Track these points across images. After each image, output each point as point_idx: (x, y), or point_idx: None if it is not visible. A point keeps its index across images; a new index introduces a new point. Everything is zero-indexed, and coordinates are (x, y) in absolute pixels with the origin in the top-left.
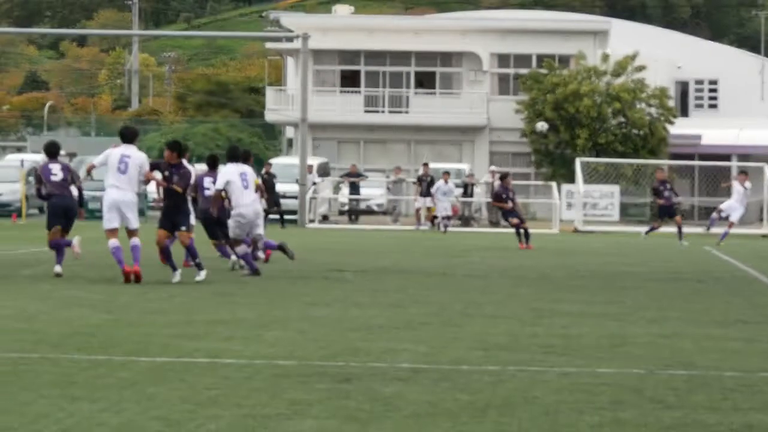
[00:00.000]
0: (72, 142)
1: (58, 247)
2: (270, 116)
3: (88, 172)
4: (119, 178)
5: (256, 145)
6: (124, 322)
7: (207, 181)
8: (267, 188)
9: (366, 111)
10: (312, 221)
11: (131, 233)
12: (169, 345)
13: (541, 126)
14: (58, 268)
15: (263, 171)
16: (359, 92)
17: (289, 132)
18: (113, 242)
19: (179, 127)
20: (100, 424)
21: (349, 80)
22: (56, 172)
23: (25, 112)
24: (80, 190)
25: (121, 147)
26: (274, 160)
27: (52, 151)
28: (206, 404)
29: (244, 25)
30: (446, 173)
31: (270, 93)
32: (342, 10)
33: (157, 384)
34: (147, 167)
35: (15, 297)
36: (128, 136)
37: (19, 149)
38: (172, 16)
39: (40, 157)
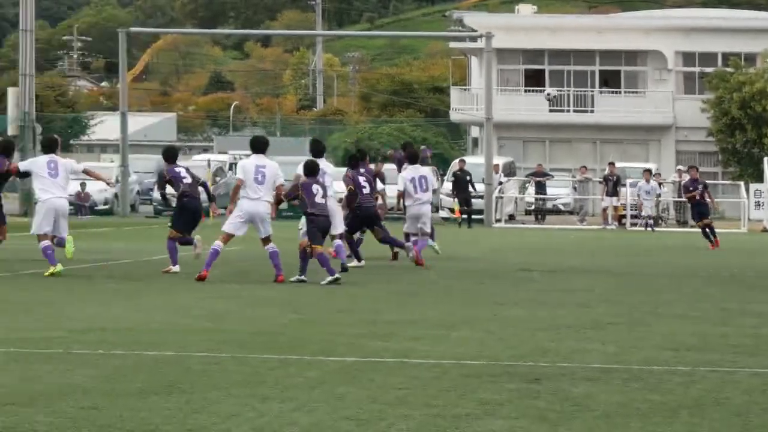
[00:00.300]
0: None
1: (174, 249)
2: (455, 116)
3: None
4: (256, 189)
5: (441, 144)
6: (310, 322)
7: (362, 180)
8: (458, 186)
9: (551, 110)
10: (498, 221)
11: (265, 241)
12: (356, 344)
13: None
14: (176, 268)
15: (456, 168)
16: (544, 91)
17: (474, 131)
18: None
19: (363, 127)
20: (290, 423)
21: (533, 79)
22: (185, 175)
23: (210, 112)
24: (206, 187)
25: (253, 158)
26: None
27: (170, 155)
28: (395, 404)
29: (427, 24)
30: (647, 171)
31: (454, 93)
32: (525, 10)
33: (346, 383)
34: (281, 179)
35: (204, 297)
36: (259, 147)
37: (205, 150)
38: (355, 16)
39: (227, 158)
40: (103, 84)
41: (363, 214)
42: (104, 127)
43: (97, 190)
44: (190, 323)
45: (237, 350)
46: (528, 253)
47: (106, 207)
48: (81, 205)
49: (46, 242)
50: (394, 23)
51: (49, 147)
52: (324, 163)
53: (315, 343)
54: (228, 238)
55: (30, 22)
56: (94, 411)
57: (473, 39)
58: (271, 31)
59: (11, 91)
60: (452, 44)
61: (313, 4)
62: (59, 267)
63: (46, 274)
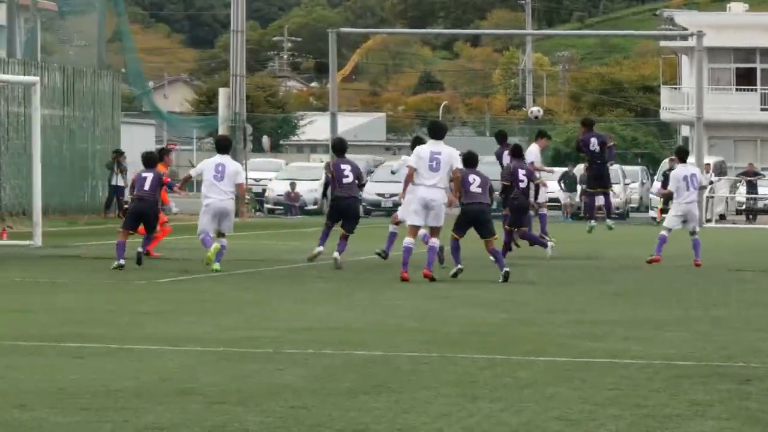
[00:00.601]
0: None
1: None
2: (665, 115)
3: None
4: (431, 176)
5: (651, 144)
6: (520, 321)
7: (521, 173)
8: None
9: (762, 109)
10: (709, 221)
11: (433, 231)
12: (567, 344)
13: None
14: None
15: (667, 167)
16: (755, 90)
17: (684, 131)
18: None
19: (573, 126)
20: (500, 423)
21: (744, 78)
22: (348, 174)
23: (419, 112)
24: (362, 187)
25: (430, 143)
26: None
27: (340, 147)
28: (606, 404)
29: (638, 23)
30: None
31: (665, 92)
32: (736, 8)
33: (556, 383)
34: (458, 162)
35: (413, 296)
36: (439, 132)
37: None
38: (565, 15)
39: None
40: (313, 84)
41: (519, 205)
42: (314, 127)
43: (307, 191)
44: (400, 323)
45: (446, 350)
46: (740, 253)
47: (316, 207)
48: (291, 205)
49: (206, 236)
50: (604, 22)
51: (222, 148)
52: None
53: (525, 343)
54: (414, 230)
55: (241, 23)
56: (303, 410)
57: (684, 38)
58: (480, 31)
59: (222, 92)
60: (662, 43)
61: (523, 4)
62: (214, 248)
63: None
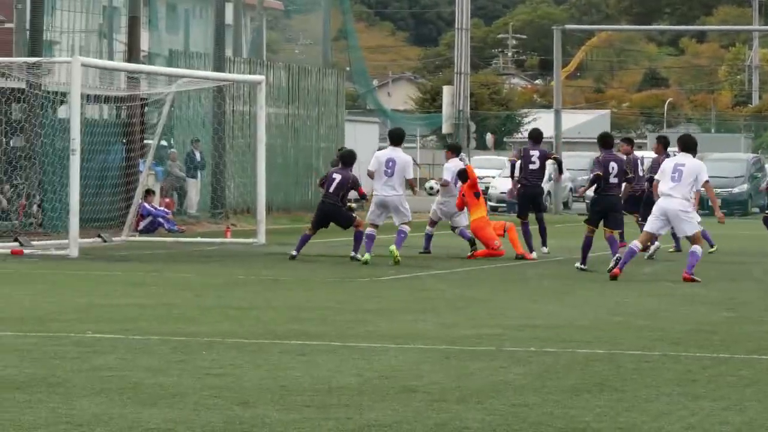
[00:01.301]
0: None
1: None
2: None
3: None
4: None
5: None
6: (744, 320)
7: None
8: None
9: None
10: None
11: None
12: None
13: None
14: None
15: None
16: None
17: None
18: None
19: None
20: (722, 422)
21: None
22: (535, 161)
23: (644, 109)
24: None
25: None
26: None
27: (535, 135)
28: None
29: None
30: None
31: None
32: None
33: None
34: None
35: (636, 294)
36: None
37: (639, 147)
38: None
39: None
40: (537, 81)
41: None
42: (537, 124)
43: None
44: (623, 321)
45: (669, 348)
46: None
47: None
48: (514, 203)
49: (372, 231)
50: None
51: (395, 140)
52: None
53: (748, 342)
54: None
55: (465, 20)
56: (525, 408)
57: None
58: (706, 27)
59: (446, 90)
60: None
61: None
62: (368, 256)
63: (362, 260)
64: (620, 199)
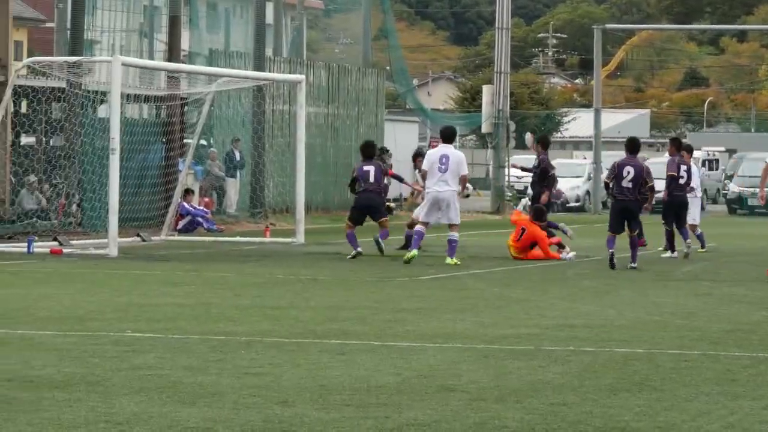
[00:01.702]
0: (731, 138)
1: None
2: None
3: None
4: None
5: None
6: None
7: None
8: None
9: None
10: None
11: None
12: None
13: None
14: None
15: None
16: None
17: None
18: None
19: None
20: (762, 421)
21: None
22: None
23: (684, 108)
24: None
25: None
26: None
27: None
28: None
29: None
30: None
31: None
32: None
33: None
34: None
35: (675, 294)
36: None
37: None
38: None
39: (700, 154)
40: (577, 81)
41: (675, 203)
42: (577, 124)
43: (569, 188)
44: (662, 320)
45: (708, 348)
46: None
47: (578, 204)
48: (553, 202)
49: (422, 228)
50: None
51: (447, 137)
52: None
53: None
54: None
55: (506, 20)
56: (563, 407)
57: None
58: (746, 26)
59: (486, 89)
60: None
61: None
62: (414, 252)
63: (405, 258)
64: (637, 203)
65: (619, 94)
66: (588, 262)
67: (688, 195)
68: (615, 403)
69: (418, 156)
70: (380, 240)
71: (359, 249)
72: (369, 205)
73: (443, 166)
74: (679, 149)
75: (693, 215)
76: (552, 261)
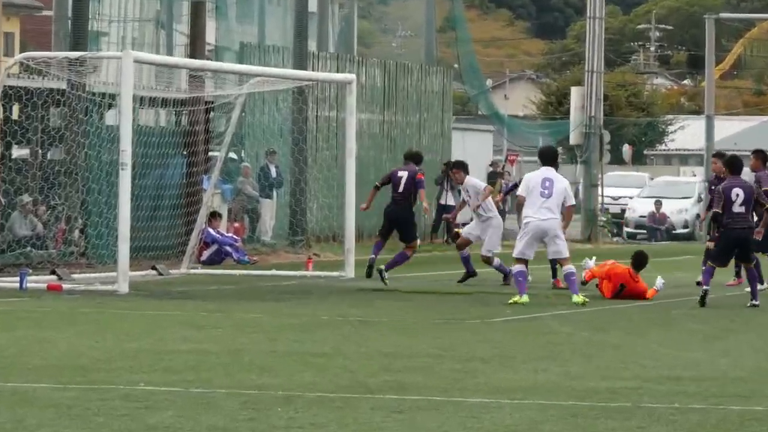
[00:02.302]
0: None
1: None
2: None
3: None
4: None
5: None
6: None
7: None
8: None
9: None
10: None
11: None
12: None
13: None
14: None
15: None
16: None
17: None
18: None
19: None
20: None
21: None
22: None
23: None
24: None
25: None
26: None
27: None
28: None
29: None
30: None
31: None
32: None
33: None
34: None
35: None
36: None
37: None
38: None
39: None
40: (685, 82)
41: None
42: (685, 133)
43: (675, 210)
44: None
45: None
46: None
47: (687, 231)
48: (656, 228)
49: (521, 267)
50: None
51: (548, 159)
52: None
53: None
54: None
55: (599, 8)
56: None
57: None
58: None
59: (575, 91)
60: None
61: None
62: (525, 298)
63: (510, 302)
64: (752, 230)
65: (735, 97)
66: (695, 300)
67: None
68: None
69: (455, 167)
70: (385, 272)
71: (372, 256)
72: (396, 218)
73: (546, 191)
74: (766, 162)
75: None
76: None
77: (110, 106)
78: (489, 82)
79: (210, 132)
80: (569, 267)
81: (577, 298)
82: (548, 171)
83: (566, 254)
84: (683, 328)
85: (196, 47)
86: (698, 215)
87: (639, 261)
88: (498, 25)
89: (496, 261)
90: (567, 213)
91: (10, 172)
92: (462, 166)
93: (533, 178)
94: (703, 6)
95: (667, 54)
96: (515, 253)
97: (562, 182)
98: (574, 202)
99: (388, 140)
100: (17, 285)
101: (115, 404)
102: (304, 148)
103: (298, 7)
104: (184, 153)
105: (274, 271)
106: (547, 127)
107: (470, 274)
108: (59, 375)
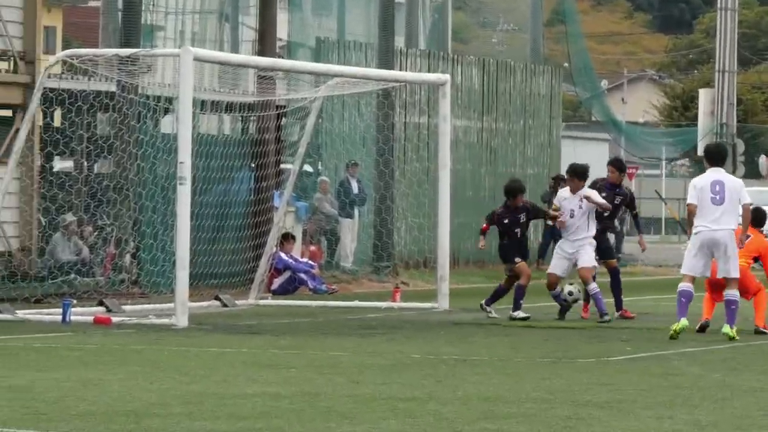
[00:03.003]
0: None
1: None
2: None
3: None
4: None
5: None
6: None
7: None
8: None
9: None
10: None
11: None
12: None
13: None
14: None
15: None
16: None
17: None
18: None
19: None
20: None
21: None
22: None
23: None
24: None
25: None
26: None
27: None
28: None
29: None
30: None
31: None
32: None
33: None
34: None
35: None
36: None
37: None
38: None
39: None
40: None
41: None
42: None
43: None
44: None
45: None
46: None
47: None
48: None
49: (687, 285)
50: None
51: (716, 159)
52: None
53: None
54: None
55: None
56: None
57: None
58: None
59: (703, 94)
60: None
61: None
62: (684, 322)
63: (671, 330)
64: None
65: None
66: None
67: None
68: None
69: (568, 174)
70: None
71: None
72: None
73: (717, 196)
74: None
75: None
76: None
77: (166, 111)
78: (604, 84)
79: (282, 141)
80: (735, 291)
81: (729, 330)
82: (717, 172)
83: (736, 275)
84: None
85: (265, 43)
86: None
87: (759, 217)
88: (615, 17)
89: (593, 285)
90: (744, 213)
91: (51, 187)
92: (576, 173)
93: (700, 182)
94: None
95: None
96: (683, 269)
97: (734, 182)
98: (749, 200)
99: (487, 151)
100: (59, 318)
101: None
102: (391, 160)
103: None
104: (252, 165)
105: (356, 302)
106: (672, 136)
107: (565, 306)
108: (108, 422)
